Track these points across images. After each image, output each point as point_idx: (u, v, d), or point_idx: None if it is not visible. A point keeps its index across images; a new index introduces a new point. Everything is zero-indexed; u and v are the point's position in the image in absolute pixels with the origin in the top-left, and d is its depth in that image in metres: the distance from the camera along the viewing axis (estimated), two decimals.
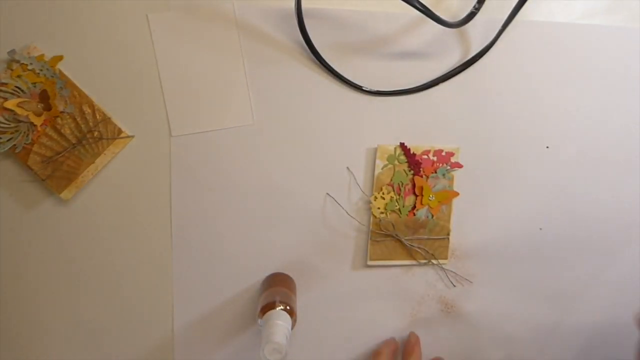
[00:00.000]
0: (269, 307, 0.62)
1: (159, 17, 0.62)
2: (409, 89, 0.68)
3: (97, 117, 0.63)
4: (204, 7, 0.62)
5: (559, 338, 0.81)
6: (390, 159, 0.70)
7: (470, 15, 0.64)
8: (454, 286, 0.76)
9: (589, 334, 0.82)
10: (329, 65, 0.66)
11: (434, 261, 0.74)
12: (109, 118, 0.63)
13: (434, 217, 0.72)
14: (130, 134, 0.64)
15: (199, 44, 0.63)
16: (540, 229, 0.76)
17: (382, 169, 0.70)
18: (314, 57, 0.65)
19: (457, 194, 0.72)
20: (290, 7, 0.63)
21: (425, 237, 0.73)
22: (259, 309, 0.63)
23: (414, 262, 0.74)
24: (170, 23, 0.62)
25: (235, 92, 0.65)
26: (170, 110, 0.65)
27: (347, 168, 0.70)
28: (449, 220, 0.73)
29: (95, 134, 0.63)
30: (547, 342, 0.81)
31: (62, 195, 0.64)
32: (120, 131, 0.64)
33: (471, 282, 0.76)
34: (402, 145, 0.70)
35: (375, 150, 0.69)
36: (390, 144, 0.70)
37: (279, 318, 0.60)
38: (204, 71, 0.64)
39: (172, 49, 0.63)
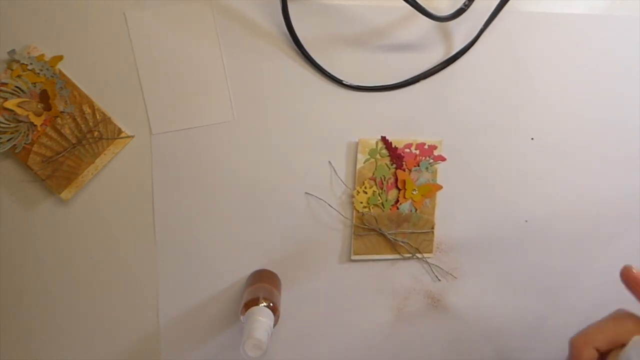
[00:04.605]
0: (252, 303, 0.63)
1: (137, 14, 0.62)
2: (390, 85, 0.69)
3: (97, 117, 0.63)
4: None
5: (546, 331, 0.83)
6: (372, 152, 0.70)
7: (460, 12, 0.64)
8: (439, 280, 0.77)
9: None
10: (310, 57, 0.66)
11: (418, 255, 0.74)
12: (109, 118, 0.63)
13: (418, 211, 0.72)
14: (130, 133, 0.65)
15: (176, 39, 0.63)
16: (526, 221, 0.77)
17: (363, 163, 0.70)
18: (296, 48, 0.65)
19: (440, 187, 0.72)
20: None
21: (409, 231, 0.73)
22: (242, 305, 0.63)
23: (398, 256, 0.74)
24: (148, 19, 0.62)
25: (216, 89, 0.65)
26: (149, 108, 0.65)
27: (329, 162, 0.70)
28: (433, 214, 0.73)
29: (95, 134, 0.63)
30: (535, 335, 0.82)
31: (62, 195, 0.64)
32: (120, 131, 0.64)
33: (455, 277, 0.77)
34: (383, 138, 0.70)
35: (357, 144, 0.70)
36: (372, 138, 0.70)
37: (261, 314, 0.61)
38: (182, 68, 0.64)
39: (149, 45, 0.63)
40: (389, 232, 0.73)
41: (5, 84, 0.60)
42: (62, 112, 0.62)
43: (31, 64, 0.60)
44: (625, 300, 0.80)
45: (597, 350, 0.46)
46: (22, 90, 0.60)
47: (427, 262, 0.76)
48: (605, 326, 0.48)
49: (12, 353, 0.69)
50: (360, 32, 0.66)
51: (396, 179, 0.71)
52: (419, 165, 0.71)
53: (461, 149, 0.73)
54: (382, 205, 0.71)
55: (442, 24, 0.67)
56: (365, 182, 0.70)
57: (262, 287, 0.67)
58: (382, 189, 0.71)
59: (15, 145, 0.61)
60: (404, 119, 0.70)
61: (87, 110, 0.63)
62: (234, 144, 0.67)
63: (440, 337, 0.80)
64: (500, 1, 0.67)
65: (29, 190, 0.64)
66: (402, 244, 0.74)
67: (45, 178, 0.63)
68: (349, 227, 0.73)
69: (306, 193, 0.70)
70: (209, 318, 0.73)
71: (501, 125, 0.73)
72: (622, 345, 0.45)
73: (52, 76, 0.61)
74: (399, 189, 0.71)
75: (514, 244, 0.77)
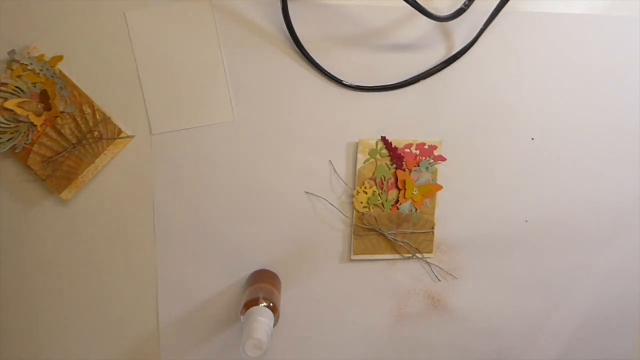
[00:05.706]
0: (252, 303, 0.63)
1: (137, 14, 0.62)
2: (390, 85, 0.69)
3: (97, 117, 0.63)
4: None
5: (547, 330, 0.82)
6: (372, 152, 0.70)
7: (460, 12, 0.65)
8: (439, 280, 0.77)
9: (578, 326, 0.83)
10: (310, 57, 0.66)
11: (418, 255, 0.74)
12: (109, 118, 0.63)
13: (418, 211, 0.72)
14: (130, 133, 0.65)
15: (176, 39, 0.63)
16: (526, 221, 0.77)
17: (363, 163, 0.70)
18: (296, 48, 0.65)
19: (440, 187, 0.72)
20: None
21: (409, 231, 0.73)
22: (242, 305, 0.63)
23: (398, 256, 0.74)
24: (148, 19, 0.62)
25: (216, 89, 0.66)
26: (149, 108, 0.65)
27: (330, 162, 0.70)
28: (433, 214, 0.73)
29: (95, 134, 0.63)
30: (536, 335, 0.82)
31: (62, 195, 0.64)
32: (120, 131, 0.64)
33: (455, 277, 0.77)
34: (383, 139, 0.70)
35: (357, 144, 0.70)
36: (372, 138, 0.70)
37: (261, 314, 0.61)
38: (182, 68, 0.64)
39: (149, 45, 0.63)
40: (389, 232, 0.73)
41: (5, 84, 0.60)
42: (62, 112, 0.62)
43: (31, 64, 0.60)
44: (624, 299, 0.81)
45: None
46: (22, 90, 0.60)
47: (427, 262, 0.76)
48: None
49: (12, 353, 0.70)
50: (360, 32, 0.66)
51: (396, 179, 0.71)
52: (419, 165, 0.71)
53: (461, 149, 0.72)
54: (382, 205, 0.71)
55: (442, 24, 0.67)
56: (365, 182, 0.70)
57: (262, 287, 0.67)
58: (382, 189, 0.71)
59: (15, 145, 0.61)
60: (404, 119, 0.70)
61: (87, 110, 0.63)
62: (234, 144, 0.67)
63: (440, 337, 0.80)
64: (500, 1, 0.67)
65: (29, 190, 0.64)
66: (402, 244, 0.73)
67: (45, 178, 0.63)
68: (349, 227, 0.72)
69: (306, 192, 0.70)
70: (209, 318, 0.73)
71: (501, 125, 0.73)
72: None
73: (52, 76, 0.61)
74: (399, 189, 0.71)
75: (514, 244, 0.77)
